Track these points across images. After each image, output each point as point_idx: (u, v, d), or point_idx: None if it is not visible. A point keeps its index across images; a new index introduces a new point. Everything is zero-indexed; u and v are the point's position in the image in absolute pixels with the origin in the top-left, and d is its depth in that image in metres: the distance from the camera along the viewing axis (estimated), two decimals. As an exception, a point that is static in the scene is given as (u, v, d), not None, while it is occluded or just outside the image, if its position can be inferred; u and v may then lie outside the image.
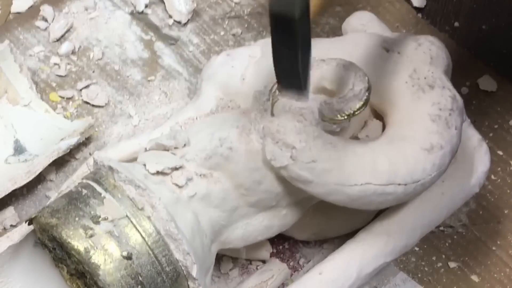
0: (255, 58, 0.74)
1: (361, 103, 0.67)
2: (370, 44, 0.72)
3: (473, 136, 0.76)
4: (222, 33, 0.91)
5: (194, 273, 0.64)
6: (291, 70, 0.60)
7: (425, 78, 0.70)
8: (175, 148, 0.69)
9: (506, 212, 0.82)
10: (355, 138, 0.72)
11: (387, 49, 0.72)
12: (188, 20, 0.91)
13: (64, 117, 0.84)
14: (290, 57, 0.59)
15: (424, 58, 0.71)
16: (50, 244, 0.67)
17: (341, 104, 0.67)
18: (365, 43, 0.73)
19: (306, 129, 0.66)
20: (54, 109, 0.84)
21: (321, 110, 0.67)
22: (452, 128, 0.69)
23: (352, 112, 0.67)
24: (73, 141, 0.80)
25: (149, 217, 0.64)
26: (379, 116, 0.74)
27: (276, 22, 0.57)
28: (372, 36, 0.74)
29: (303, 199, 0.70)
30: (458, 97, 0.70)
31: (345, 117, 0.67)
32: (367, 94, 0.67)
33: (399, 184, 0.67)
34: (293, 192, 0.69)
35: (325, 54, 0.71)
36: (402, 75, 0.71)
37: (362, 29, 0.79)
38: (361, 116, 0.71)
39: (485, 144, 0.77)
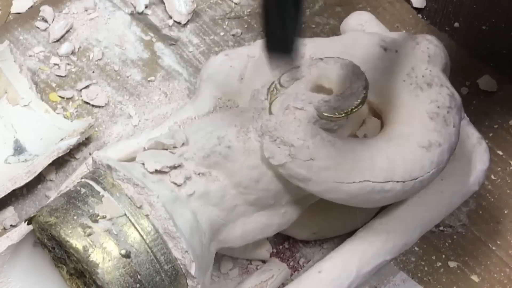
0: (253, 58, 0.74)
1: (359, 101, 0.67)
2: (368, 43, 0.72)
3: (472, 135, 0.76)
4: (222, 33, 0.91)
5: (192, 271, 0.64)
6: (280, 32, 0.55)
7: (423, 76, 0.70)
8: (174, 147, 0.69)
9: (506, 212, 0.82)
10: (354, 136, 0.72)
11: (385, 48, 0.72)
12: (188, 20, 0.92)
13: (64, 117, 0.84)
14: (279, 18, 0.55)
15: (422, 56, 0.71)
16: (49, 243, 0.67)
17: (339, 102, 0.67)
18: (363, 42, 0.73)
19: (304, 127, 0.66)
20: (54, 109, 0.85)
21: (319, 108, 0.67)
22: (451, 126, 0.69)
23: (349, 109, 0.67)
24: (73, 141, 0.80)
25: (147, 216, 0.64)
26: (377, 114, 0.74)
27: None
28: (370, 35, 0.74)
29: (302, 197, 0.70)
30: (456, 95, 0.70)
31: (343, 115, 0.67)
32: (364, 92, 0.67)
33: (397, 182, 0.66)
34: (292, 190, 0.69)
35: (323, 53, 0.71)
36: (400, 74, 0.71)
37: (361, 29, 0.79)
38: (359, 114, 0.71)
39: (484, 142, 0.77)
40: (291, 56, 0.57)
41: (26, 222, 0.67)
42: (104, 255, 0.63)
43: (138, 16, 0.92)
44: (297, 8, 0.55)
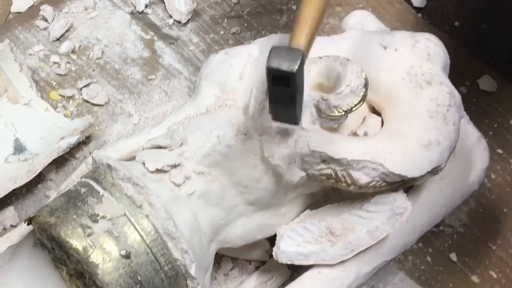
0: (253, 57, 0.74)
1: (359, 99, 0.67)
2: (368, 42, 0.72)
3: (472, 133, 0.76)
4: (222, 32, 0.91)
5: (192, 271, 0.64)
6: (287, 113, 0.62)
7: (422, 74, 0.70)
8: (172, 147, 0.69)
9: (505, 211, 0.82)
10: (354, 134, 0.72)
11: (385, 46, 0.72)
12: (188, 19, 0.92)
13: (64, 115, 0.84)
14: (286, 103, 0.61)
15: (421, 55, 0.71)
16: (49, 244, 0.67)
17: (339, 100, 0.66)
18: (362, 40, 0.73)
19: (303, 126, 0.66)
20: (55, 108, 0.85)
21: (318, 107, 0.66)
22: (450, 124, 0.68)
23: (349, 108, 0.67)
24: (73, 140, 0.80)
25: (147, 216, 0.64)
26: (378, 112, 0.74)
27: (274, 76, 0.58)
28: (369, 34, 0.74)
29: (302, 197, 0.70)
30: (456, 93, 0.70)
31: (343, 113, 0.67)
32: (364, 90, 0.67)
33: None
34: (292, 189, 0.69)
35: (323, 52, 0.71)
36: (399, 72, 0.71)
37: (360, 28, 0.79)
38: (360, 113, 0.71)
39: (484, 141, 0.77)
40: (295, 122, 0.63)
41: (26, 223, 0.67)
42: (104, 256, 0.62)
43: (138, 15, 0.92)
44: (300, 94, 0.61)
